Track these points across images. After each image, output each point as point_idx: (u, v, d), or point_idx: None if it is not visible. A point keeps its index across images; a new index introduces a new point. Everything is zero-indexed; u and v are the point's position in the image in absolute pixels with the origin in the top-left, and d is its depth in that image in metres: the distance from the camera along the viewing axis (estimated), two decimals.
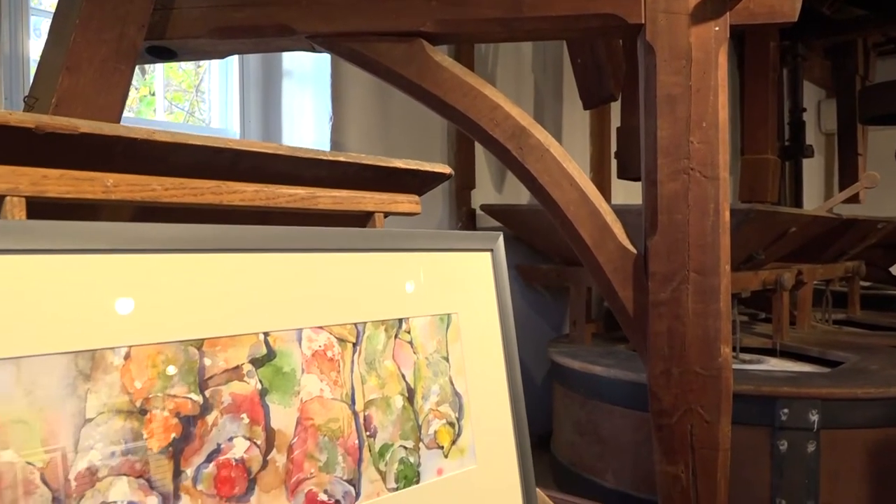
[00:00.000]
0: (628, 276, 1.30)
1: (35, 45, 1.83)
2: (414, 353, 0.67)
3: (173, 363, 0.50)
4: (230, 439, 0.52)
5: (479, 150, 2.88)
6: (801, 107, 4.20)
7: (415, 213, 0.82)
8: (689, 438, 1.28)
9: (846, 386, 1.82)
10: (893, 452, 1.79)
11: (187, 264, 0.52)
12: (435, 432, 0.67)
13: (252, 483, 0.53)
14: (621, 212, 1.36)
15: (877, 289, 3.92)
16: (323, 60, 2.34)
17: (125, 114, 1.34)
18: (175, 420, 0.49)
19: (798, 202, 4.31)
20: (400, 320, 0.66)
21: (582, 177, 1.34)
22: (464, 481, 0.68)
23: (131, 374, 0.48)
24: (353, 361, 0.61)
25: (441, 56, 1.36)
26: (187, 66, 2.47)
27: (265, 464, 0.54)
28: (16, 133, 0.54)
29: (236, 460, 0.52)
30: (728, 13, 1.24)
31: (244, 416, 0.53)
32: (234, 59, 2.43)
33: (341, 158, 0.77)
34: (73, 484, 0.44)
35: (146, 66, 2.29)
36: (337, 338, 0.60)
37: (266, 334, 0.56)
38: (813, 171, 5.15)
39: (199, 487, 0.50)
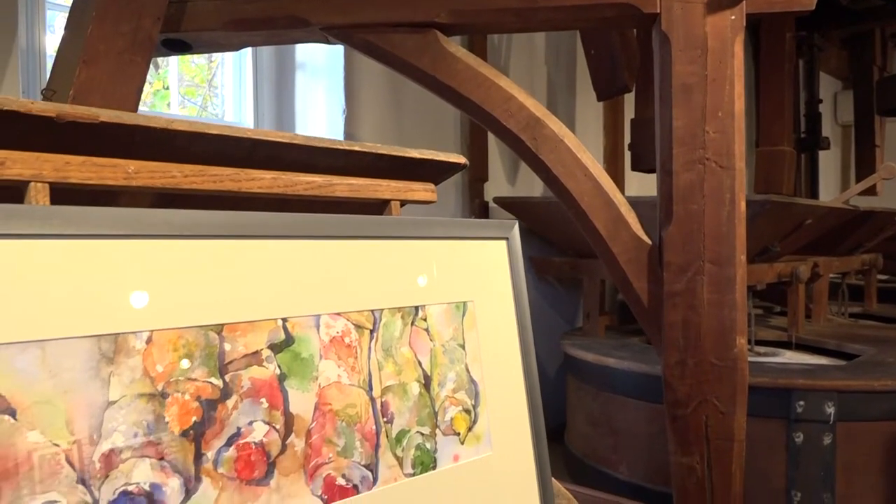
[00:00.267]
0: (643, 267, 1.30)
1: (51, 41, 1.85)
2: (430, 340, 0.67)
3: (194, 348, 0.50)
4: (250, 423, 0.53)
5: (492, 142, 2.88)
6: (818, 98, 4.15)
7: (431, 202, 0.83)
8: (704, 429, 1.27)
9: (863, 378, 1.81)
10: None
11: (207, 250, 0.53)
12: (451, 419, 0.67)
13: (271, 467, 0.53)
14: (635, 204, 1.36)
15: (894, 282, 3.88)
16: (336, 53, 2.35)
17: (139, 108, 1.35)
18: (196, 404, 0.50)
19: (814, 195, 4.26)
20: (416, 308, 0.66)
21: (596, 167, 1.33)
22: (480, 468, 0.68)
23: (153, 358, 0.48)
24: (370, 348, 0.62)
25: (455, 47, 1.36)
26: (199, 61, 2.48)
27: (284, 448, 0.54)
28: (38, 122, 0.55)
29: (256, 444, 0.53)
30: (744, 1, 1.23)
31: (263, 400, 0.54)
32: (247, 53, 2.44)
33: (356, 148, 0.77)
34: (98, 465, 0.45)
35: (159, 61, 2.30)
36: (354, 324, 0.61)
37: (284, 320, 0.56)
38: (829, 163, 5.10)
39: (220, 470, 0.50)
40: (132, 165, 0.55)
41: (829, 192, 4.81)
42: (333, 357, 0.59)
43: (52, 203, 0.53)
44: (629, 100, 2.95)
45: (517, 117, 1.33)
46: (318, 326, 0.58)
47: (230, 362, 0.52)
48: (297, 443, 0.55)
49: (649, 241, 1.30)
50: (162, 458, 0.48)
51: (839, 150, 5.49)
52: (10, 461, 0.42)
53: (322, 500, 0.56)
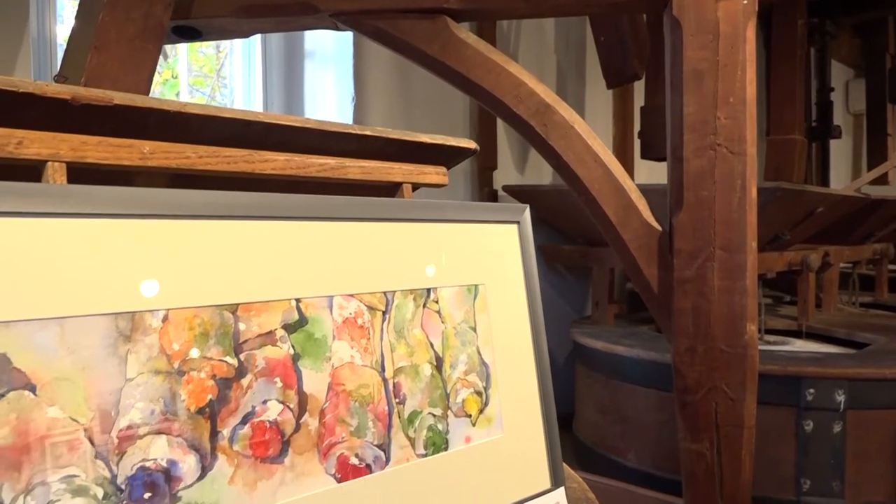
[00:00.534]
0: (653, 254, 1.29)
1: (61, 30, 1.86)
2: (442, 322, 0.67)
3: (209, 327, 0.51)
4: (264, 402, 0.53)
5: (501, 130, 2.87)
6: (829, 86, 4.12)
7: (442, 185, 0.83)
8: (714, 416, 1.27)
9: (873, 366, 1.80)
10: None
11: (222, 231, 0.53)
12: (463, 401, 0.67)
13: (286, 445, 0.54)
14: (645, 191, 1.35)
15: None
16: (345, 40, 2.34)
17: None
18: (211, 382, 0.51)
19: (825, 185, 4.24)
20: (428, 290, 0.67)
21: (606, 154, 1.33)
22: (491, 450, 0.69)
23: (169, 336, 0.49)
24: (382, 329, 0.62)
25: (465, 33, 1.35)
26: (208, 50, 2.48)
27: (298, 427, 0.55)
28: (53, 104, 0.55)
29: (270, 423, 0.53)
30: None
31: (277, 380, 0.54)
32: (256, 41, 2.44)
33: (368, 132, 0.77)
34: (116, 441, 0.46)
35: (168, 51, 2.30)
36: (367, 306, 0.61)
37: (298, 301, 0.56)
38: (840, 152, 5.06)
39: (235, 448, 0.51)
40: (147, 146, 0.56)
41: (841, 182, 4.78)
42: (346, 338, 0.59)
43: (70, 183, 0.54)
44: (639, 88, 2.94)
45: (527, 103, 1.32)
46: (331, 307, 0.59)
47: (245, 342, 0.53)
48: (311, 422, 0.56)
49: (660, 228, 1.29)
50: (178, 436, 0.48)
51: (851, 139, 5.44)
52: (31, 436, 0.42)
53: (335, 478, 0.56)
